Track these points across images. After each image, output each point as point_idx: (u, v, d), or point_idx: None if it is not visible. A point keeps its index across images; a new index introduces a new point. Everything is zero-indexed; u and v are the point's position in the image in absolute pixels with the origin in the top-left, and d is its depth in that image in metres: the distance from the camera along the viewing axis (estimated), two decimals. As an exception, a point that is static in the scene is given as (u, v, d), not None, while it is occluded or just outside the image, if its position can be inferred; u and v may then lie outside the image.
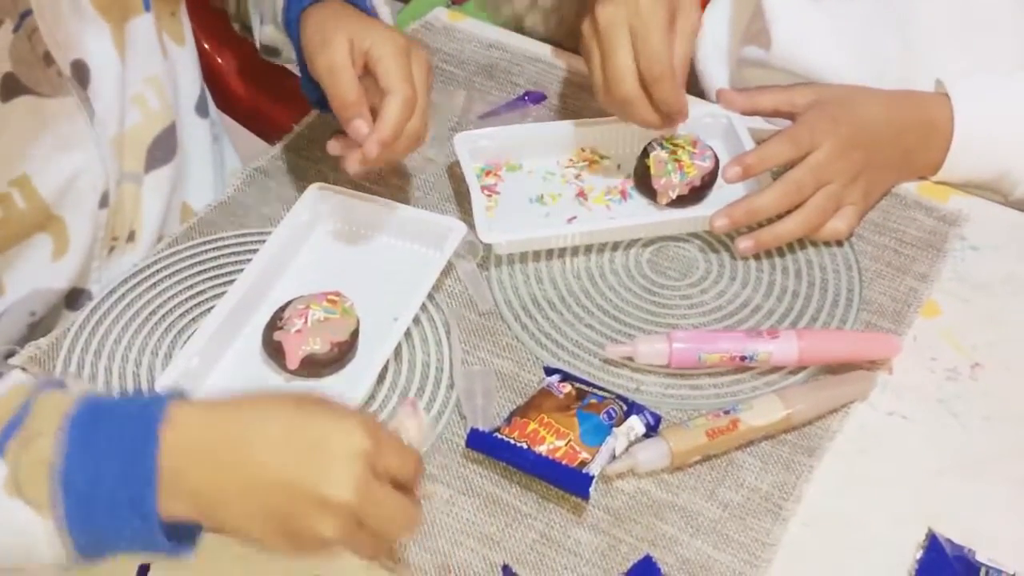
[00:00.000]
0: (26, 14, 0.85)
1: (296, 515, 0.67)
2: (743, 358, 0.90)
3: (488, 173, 1.05)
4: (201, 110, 1.08)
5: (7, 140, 0.85)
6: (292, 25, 0.95)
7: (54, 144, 0.89)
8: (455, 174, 1.05)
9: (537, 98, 1.15)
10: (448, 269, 0.98)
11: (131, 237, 0.99)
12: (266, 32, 1.06)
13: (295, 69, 1.02)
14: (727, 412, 0.86)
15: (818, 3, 1.11)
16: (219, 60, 1.27)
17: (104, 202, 0.93)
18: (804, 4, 1.12)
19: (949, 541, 0.80)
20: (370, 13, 0.96)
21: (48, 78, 0.87)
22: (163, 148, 1.00)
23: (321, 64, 0.89)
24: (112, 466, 0.66)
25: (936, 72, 1.05)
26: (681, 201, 1.01)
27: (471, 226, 0.98)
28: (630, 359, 0.91)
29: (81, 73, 0.91)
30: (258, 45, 1.08)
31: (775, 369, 0.91)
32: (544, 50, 1.21)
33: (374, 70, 0.87)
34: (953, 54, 1.05)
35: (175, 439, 0.67)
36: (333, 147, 0.93)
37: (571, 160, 1.07)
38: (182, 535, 0.69)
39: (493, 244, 0.97)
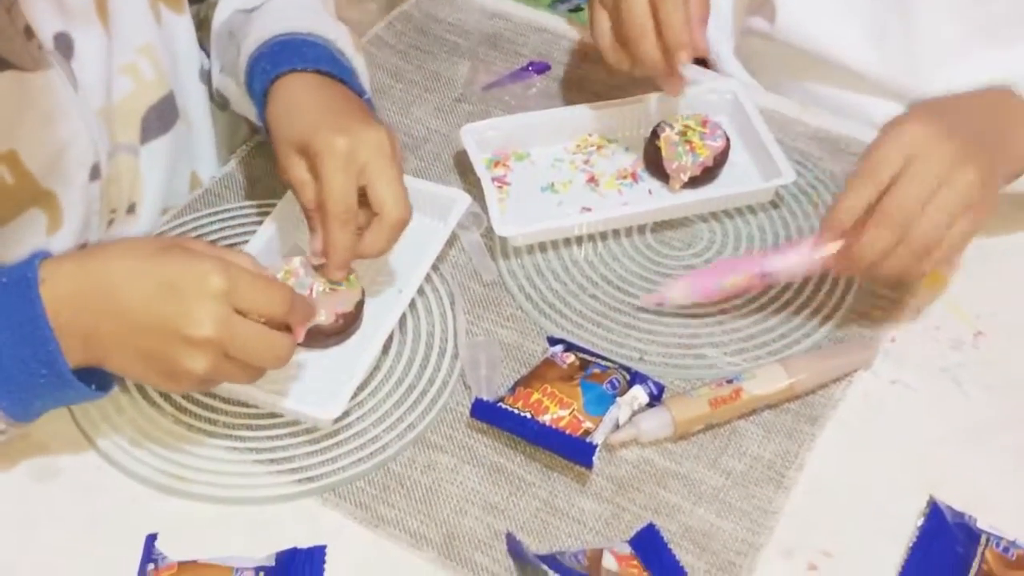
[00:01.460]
0: None
1: (167, 354, 0.75)
2: (764, 275, 0.90)
3: (496, 164, 1.04)
4: (206, 78, 1.08)
5: None
6: (257, 99, 0.93)
7: (39, 118, 0.88)
8: (463, 164, 1.04)
9: (541, 68, 1.15)
10: (452, 240, 0.98)
11: (131, 209, 0.99)
12: (226, 84, 1.02)
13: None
14: (730, 381, 0.87)
15: None
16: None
17: (95, 174, 0.93)
18: None
19: (950, 508, 0.81)
20: (346, 75, 0.93)
21: (30, 52, 0.87)
22: (160, 118, 1.00)
23: (284, 178, 0.88)
24: (7, 333, 0.74)
25: (939, 41, 1.04)
26: (693, 182, 1.01)
27: (475, 197, 0.99)
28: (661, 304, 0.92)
29: (65, 45, 0.90)
30: (213, 89, 1.06)
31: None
32: (548, 19, 1.21)
33: (320, 186, 0.85)
34: (954, 20, 1.05)
35: (53, 294, 0.74)
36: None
37: (578, 145, 1.06)
38: (97, 379, 0.78)
39: (510, 237, 0.97)
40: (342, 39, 0.96)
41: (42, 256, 0.77)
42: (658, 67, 0.95)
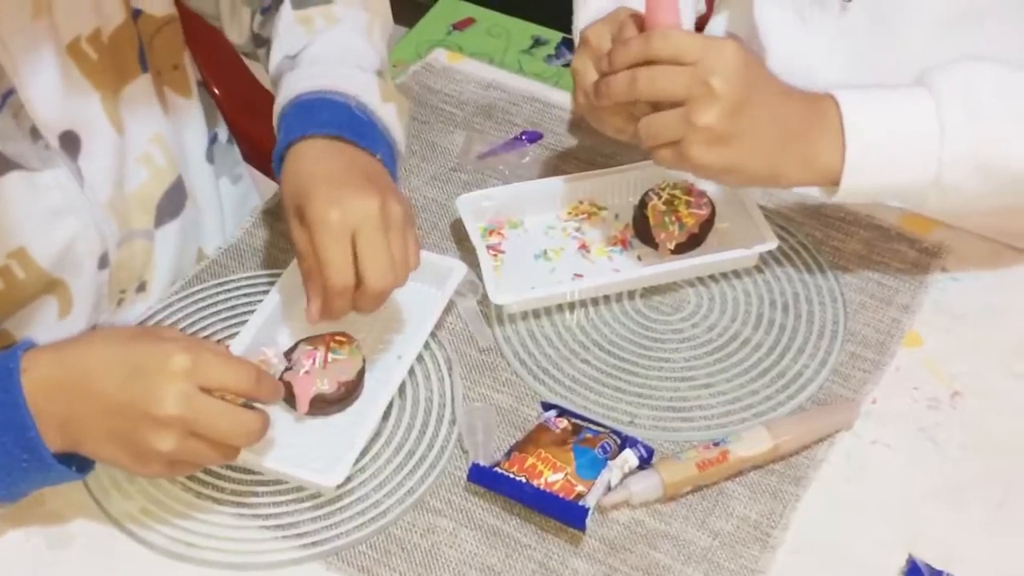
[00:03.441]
0: (9, 92, 0.87)
1: (135, 433, 0.78)
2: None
3: (491, 232, 1.08)
4: (210, 157, 1.11)
5: (1, 215, 0.88)
6: (276, 163, 0.94)
7: (47, 214, 0.92)
8: (459, 232, 1.08)
9: (534, 137, 1.20)
10: (449, 307, 1.02)
11: (142, 287, 1.03)
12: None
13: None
14: (717, 444, 0.90)
15: (806, 23, 1.14)
16: (228, 105, 1.31)
17: (103, 263, 0.97)
18: (793, 26, 1.15)
19: (928, 565, 0.84)
20: (362, 135, 0.94)
21: (36, 152, 0.90)
22: (172, 202, 1.04)
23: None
24: None
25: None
26: (680, 248, 1.05)
27: (471, 265, 1.03)
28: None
29: (71, 144, 0.93)
30: None
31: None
32: (541, 90, 1.25)
33: (316, 258, 0.88)
34: (945, 54, 1.04)
35: (33, 382, 0.78)
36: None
37: (570, 213, 1.10)
38: (77, 461, 0.82)
39: (505, 305, 1.01)
40: (368, 92, 0.96)
41: (25, 346, 0.80)
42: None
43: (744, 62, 0.92)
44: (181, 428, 0.78)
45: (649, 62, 0.92)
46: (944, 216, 1.05)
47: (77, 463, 0.82)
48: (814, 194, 1.12)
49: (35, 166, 0.90)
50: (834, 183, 0.96)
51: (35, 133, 0.90)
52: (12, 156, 0.88)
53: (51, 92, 0.91)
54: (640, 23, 0.95)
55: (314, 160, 0.91)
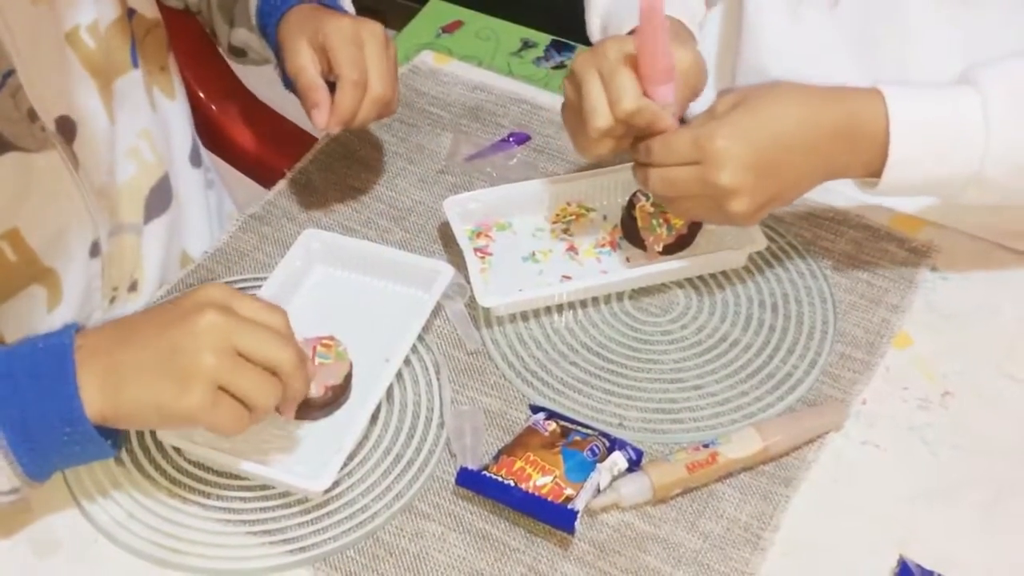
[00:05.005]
0: (9, 73, 0.88)
1: (179, 356, 0.77)
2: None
3: (479, 235, 1.08)
4: (194, 160, 1.12)
5: None
6: (270, 30, 1.05)
7: (42, 197, 0.92)
8: (447, 234, 1.08)
9: (522, 139, 1.19)
10: (437, 309, 1.01)
11: (133, 287, 1.03)
12: (238, 35, 1.13)
13: (261, 71, 1.16)
14: (706, 446, 0.90)
15: (796, 16, 1.14)
16: (214, 108, 1.31)
17: (95, 251, 0.97)
18: (785, 21, 1.14)
19: (919, 566, 0.84)
20: (336, 7, 1.06)
21: (32, 133, 0.91)
22: (160, 198, 1.04)
23: (289, 66, 1.00)
24: (36, 394, 0.78)
25: (932, 54, 1.06)
26: (668, 249, 1.04)
27: (459, 268, 1.02)
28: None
29: (66, 127, 0.94)
30: (225, 47, 1.15)
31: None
32: (528, 91, 1.25)
33: (331, 61, 0.98)
34: (942, 45, 1.06)
35: (82, 355, 0.78)
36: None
37: (558, 215, 1.10)
38: (111, 436, 0.81)
39: (492, 307, 1.00)
40: None
41: (76, 327, 0.81)
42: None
43: (741, 135, 0.91)
44: (223, 339, 0.78)
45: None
46: (979, 203, 1.00)
47: (112, 438, 0.82)
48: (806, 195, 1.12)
49: (31, 147, 0.91)
50: (874, 175, 0.95)
51: (32, 115, 0.91)
52: (9, 136, 0.89)
53: (49, 76, 0.92)
54: (632, 61, 0.94)
55: (313, 10, 1.03)
